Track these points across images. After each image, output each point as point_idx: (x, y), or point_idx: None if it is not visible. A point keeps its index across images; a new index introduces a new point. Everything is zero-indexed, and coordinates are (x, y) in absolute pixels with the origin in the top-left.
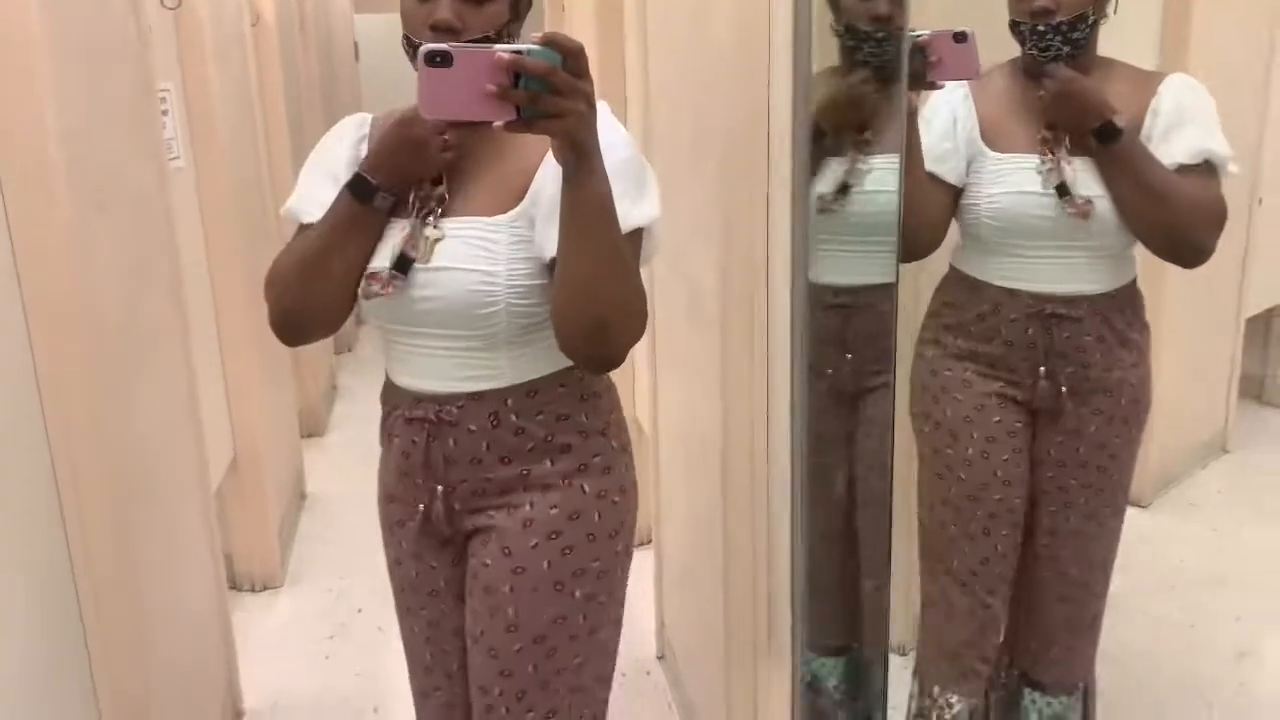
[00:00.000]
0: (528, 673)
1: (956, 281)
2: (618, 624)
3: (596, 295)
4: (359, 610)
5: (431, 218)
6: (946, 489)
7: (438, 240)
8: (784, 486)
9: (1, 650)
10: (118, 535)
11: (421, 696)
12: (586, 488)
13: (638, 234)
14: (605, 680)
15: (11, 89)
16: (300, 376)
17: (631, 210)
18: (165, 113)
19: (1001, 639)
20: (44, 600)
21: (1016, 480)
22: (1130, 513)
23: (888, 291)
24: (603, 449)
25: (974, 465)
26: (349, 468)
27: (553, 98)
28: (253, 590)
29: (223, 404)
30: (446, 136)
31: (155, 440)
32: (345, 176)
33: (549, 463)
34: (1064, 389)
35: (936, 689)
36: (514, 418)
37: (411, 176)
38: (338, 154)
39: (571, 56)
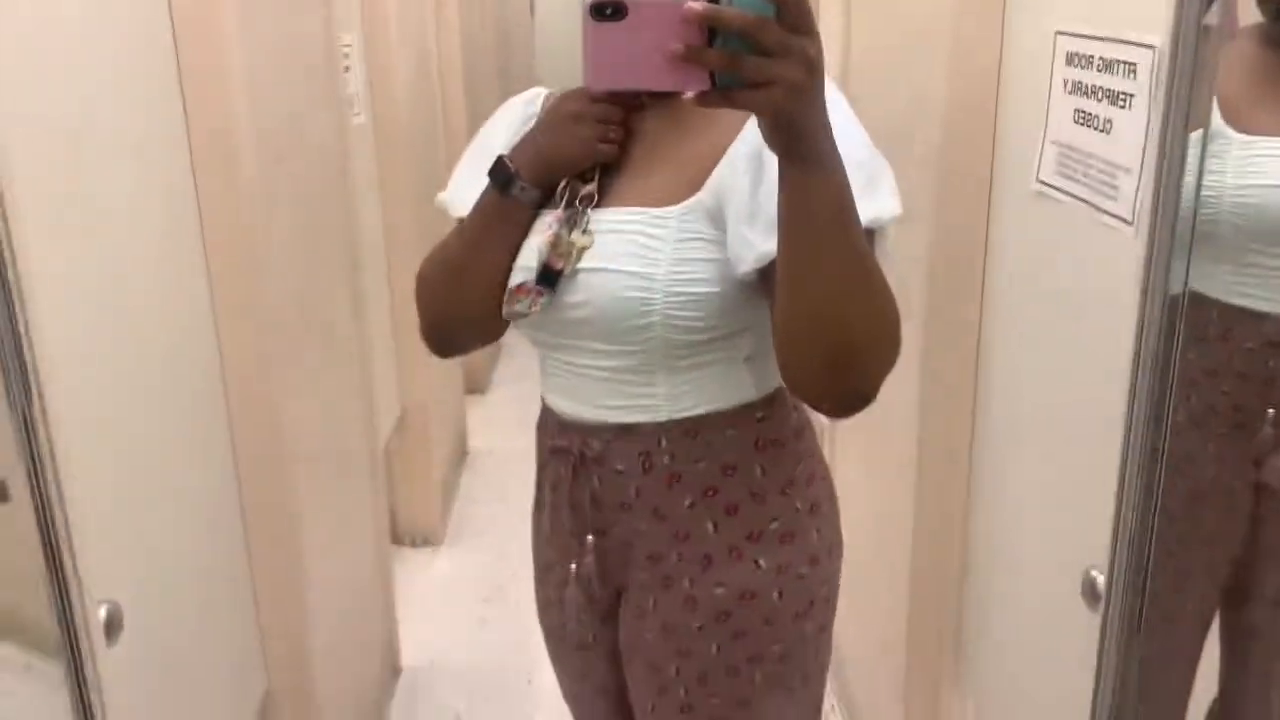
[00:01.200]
0: None
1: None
2: (816, 708)
3: (841, 317)
4: (515, 573)
5: (580, 219)
6: None
7: (585, 248)
8: (991, 511)
9: (180, 597)
10: (285, 505)
11: None
12: (763, 562)
13: (872, 235)
14: None
15: (198, 36)
16: None
17: (868, 205)
18: (347, 68)
19: None
20: (216, 552)
21: (1225, 540)
22: None
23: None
24: (784, 511)
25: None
26: (511, 425)
27: (761, 60)
28: (413, 545)
29: (392, 362)
30: (614, 123)
31: (327, 400)
32: None
33: (710, 526)
34: None
35: None
36: (668, 460)
37: (560, 167)
38: (498, 137)
39: (787, 6)
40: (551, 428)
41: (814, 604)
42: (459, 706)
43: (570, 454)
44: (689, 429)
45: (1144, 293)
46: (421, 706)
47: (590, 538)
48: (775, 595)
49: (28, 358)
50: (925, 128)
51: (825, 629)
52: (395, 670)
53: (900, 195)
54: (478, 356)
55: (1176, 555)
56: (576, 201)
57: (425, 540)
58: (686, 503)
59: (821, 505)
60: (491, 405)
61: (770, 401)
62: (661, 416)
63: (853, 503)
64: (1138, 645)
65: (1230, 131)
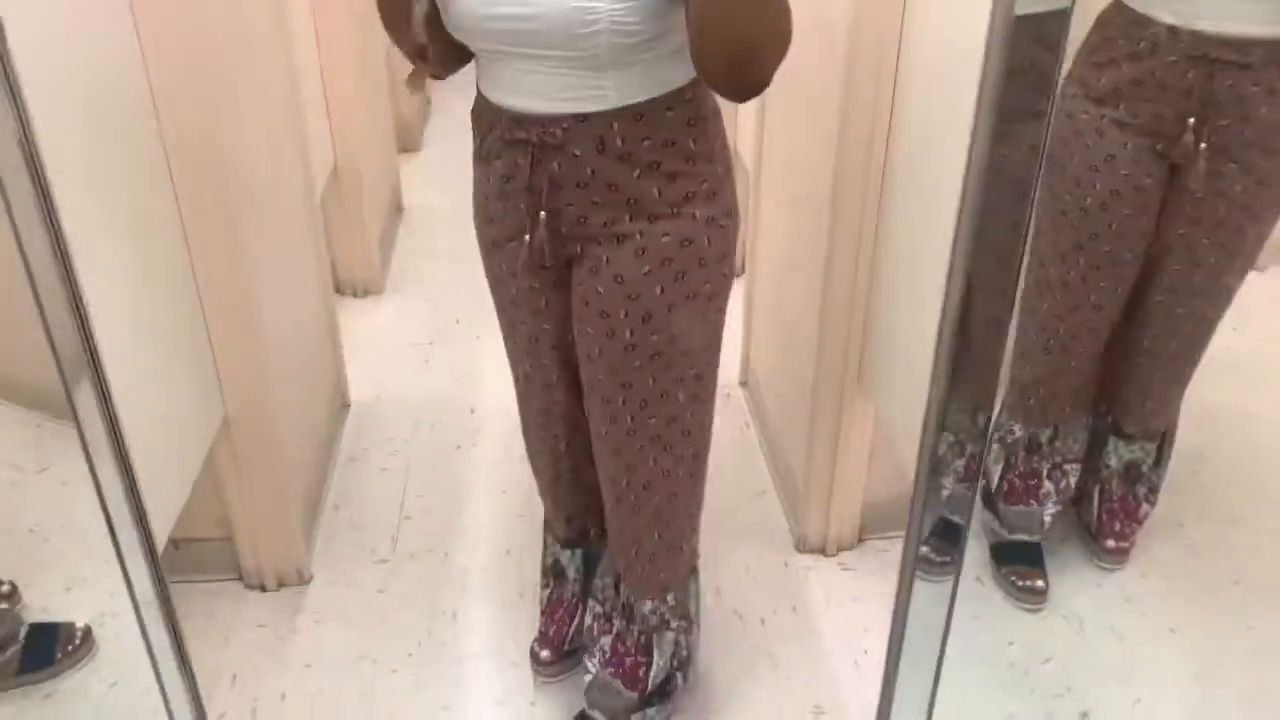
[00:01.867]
0: (648, 385)
1: (1116, 15)
2: (720, 339)
3: (740, 15)
4: (457, 321)
5: None
6: (1056, 233)
7: None
8: (898, 222)
9: (138, 344)
10: (232, 236)
11: (522, 399)
12: (696, 214)
13: None
14: (709, 392)
15: None
16: (395, 93)
17: None
18: None
19: (1088, 386)
20: (170, 298)
21: (1133, 235)
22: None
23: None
24: (710, 174)
25: (1089, 215)
26: (445, 183)
27: None
28: (355, 295)
29: (323, 115)
30: None
31: (262, 147)
32: None
33: (656, 191)
34: (1204, 145)
35: (1004, 415)
36: (620, 142)
37: None
38: None
39: None
40: (504, 123)
41: (730, 249)
42: (405, 434)
43: (529, 143)
44: (636, 113)
45: None
46: (369, 436)
47: (543, 214)
48: (706, 241)
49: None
50: None
51: (734, 273)
52: (344, 405)
53: None
54: (409, 114)
55: (1087, 249)
56: None
57: (365, 290)
58: (635, 174)
59: (731, 170)
60: (425, 162)
61: (695, 85)
62: (610, 105)
63: (773, 230)
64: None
65: None
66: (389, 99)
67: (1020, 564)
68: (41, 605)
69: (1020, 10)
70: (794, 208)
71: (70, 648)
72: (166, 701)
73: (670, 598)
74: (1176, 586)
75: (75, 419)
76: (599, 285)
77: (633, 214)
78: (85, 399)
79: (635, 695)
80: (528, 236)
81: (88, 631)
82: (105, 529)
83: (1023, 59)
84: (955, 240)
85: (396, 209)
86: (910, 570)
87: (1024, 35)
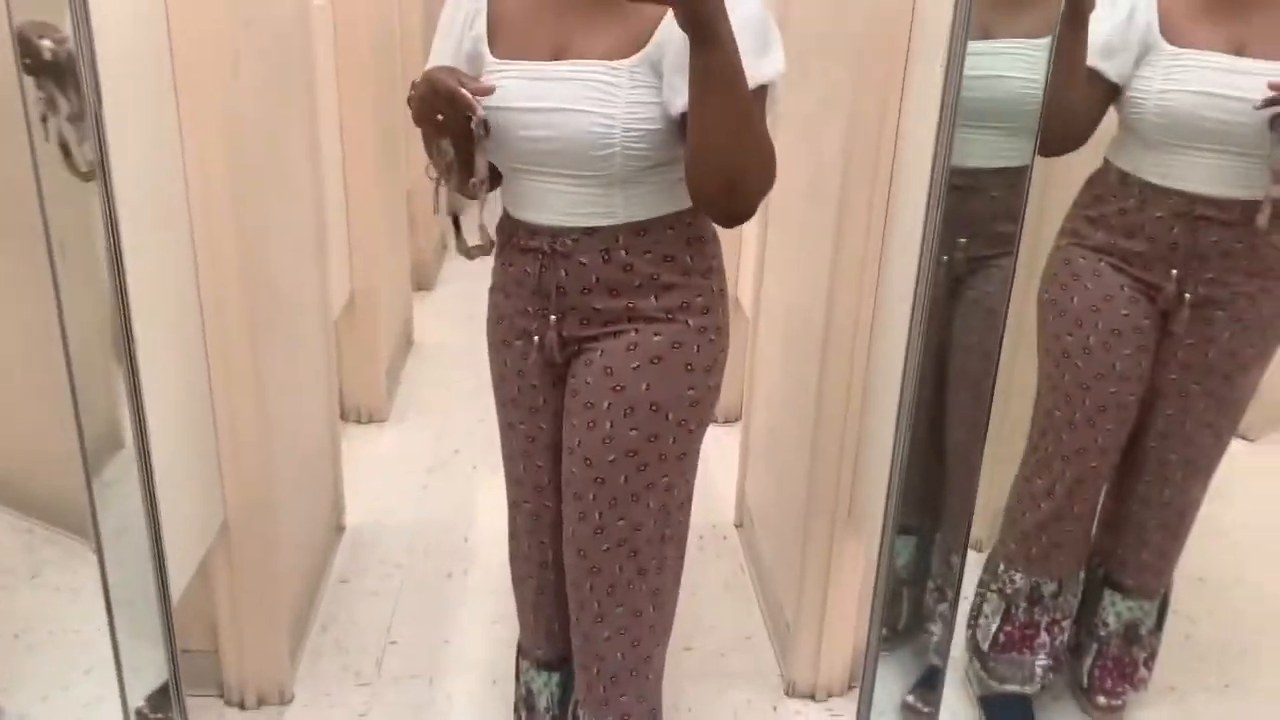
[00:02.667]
0: (620, 483)
1: (1106, 174)
2: (695, 461)
3: (729, 155)
4: (456, 451)
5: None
6: (1061, 376)
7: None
8: (887, 364)
9: (156, 441)
10: (251, 346)
11: (513, 507)
12: (690, 323)
13: (763, 90)
14: (685, 508)
15: None
16: (414, 231)
17: (756, 65)
18: None
19: (1088, 534)
20: (186, 397)
21: (1134, 377)
22: (1235, 443)
23: (1020, 175)
24: (704, 290)
25: (1093, 354)
26: (455, 321)
27: None
28: (359, 422)
29: (344, 244)
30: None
31: (287, 266)
32: (461, 33)
33: (654, 298)
34: (1189, 296)
35: (1002, 565)
36: (624, 254)
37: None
38: (457, 12)
39: None
40: (521, 234)
41: (716, 363)
42: (398, 558)
43: (540, 252)
44: (639, 229)
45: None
46: (363, 558)
47: (553, 317)
48: (695, 349)
49: None
50: (851, 17)
51: (718, 390)
52: (340, 527)
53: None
54: (425, 254)
55: (1093, 389)
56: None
57: (370, 417)
58: (636, 284)
59: (724, 291)
60: (438, 301)
61: (696, 209)
62: (618, 220)
63: (769, 371)
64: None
65: (1163, 44)
66: (408, 236)
67: (1011, 718)
68: (19, 713)
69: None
70: (788, 347)
71: None
72: None
73: None
74: None
75: (92, 507)
76: (589, 376)
77: (630, 317)
78: (103, 487)
79: None
80: (537, 338)
81: None
82: (107, 635)
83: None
84: (904, 374)
85: (407, 342)
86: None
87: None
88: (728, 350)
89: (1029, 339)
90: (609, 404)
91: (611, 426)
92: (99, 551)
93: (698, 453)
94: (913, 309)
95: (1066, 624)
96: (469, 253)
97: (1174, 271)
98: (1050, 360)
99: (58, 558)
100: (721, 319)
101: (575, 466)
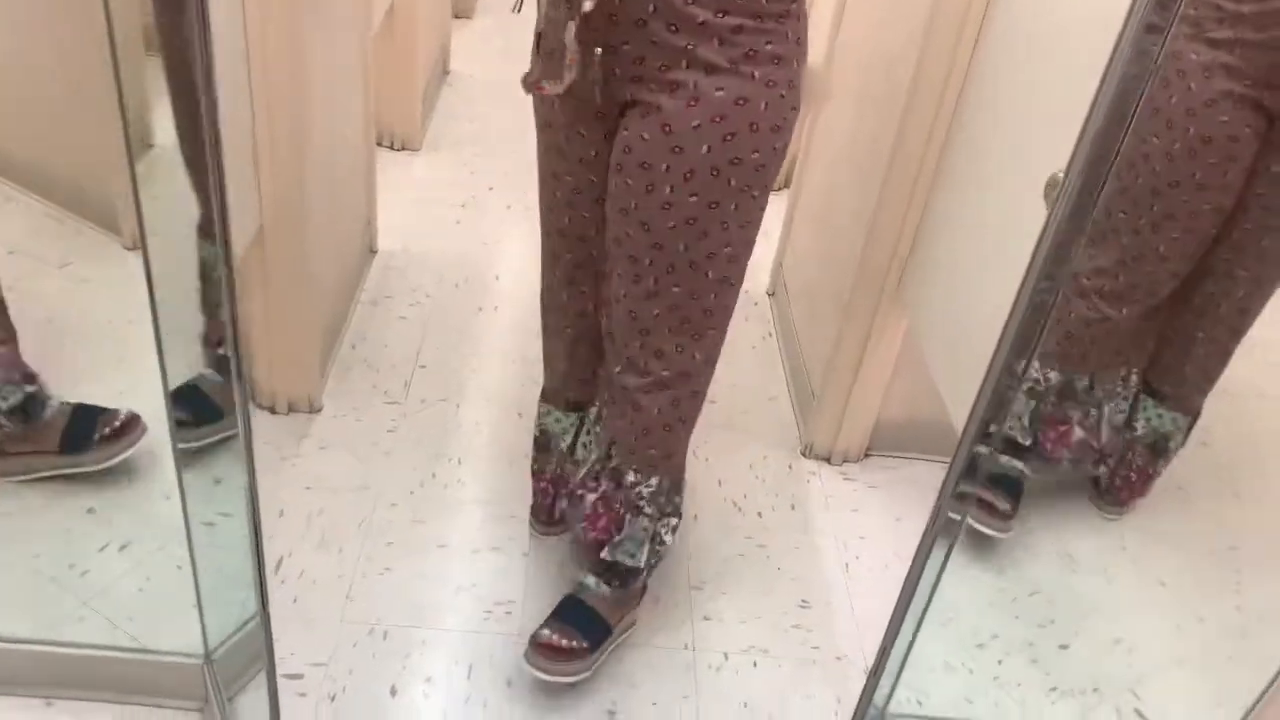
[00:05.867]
0: (679, 250)
1: None
2: (757, 230)
3: None
4: (490, 188)
5: None
6: (1134, 178)
7: None
8: (971, 133)
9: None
10: (293, 47)
11: (553, 258)
12: (757, 74)
13: None
14: (740, 279)
15: None
16: None
17: None
18: None
19: (1133, 340)
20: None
21: (1214, 187)
22: None
23: None
24: (777, 37)
25: (1174, 161)
26: (493, 52)
27: None
28: (392, 148)
29: None
30: None
31: None
32: None
33: (717, 42)
34: None
35: (1038, 364)
36: None
37: None
38: None
39: None
40: None
41: (785, 122)
42: (429, 288)
43: None
44: None
45: None
46: (394, 283)
47: (598, 50)
48: (762, 105)
49: None
50: None
51: (784, 152)
52: (372, 250)
53: None
54: None
55: (1164, 196)
56: None
57: (403, 144)
58: (699, 20)
59: (803, 44)
60: (476, 31)
61: None
62: None
63: (834, 131)
64: (1078, 251)
65: None
66: None
67: (995, 488)
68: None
69: None
70: (861, 107)
71: (109, 430)
72: (182, 485)
73: (654, 481)
74: (1172, 545)
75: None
76: (644, 132)
77: (689, 62)
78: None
79: (593, 559)
80: (579, 66)
81: (133, 418)
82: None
83: None
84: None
85: (443, 70)
86: (949, 495)
87: None
88: (800, 109)
89: None
90: (667, 166)
91: (671, 191)
92: (143, 242)
93: (759, 221)
94: None
95: (1091, 420)
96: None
97: None
98: (1123, 160)
99: (86, 248)
100: (794, 72)
101: (631, 229)
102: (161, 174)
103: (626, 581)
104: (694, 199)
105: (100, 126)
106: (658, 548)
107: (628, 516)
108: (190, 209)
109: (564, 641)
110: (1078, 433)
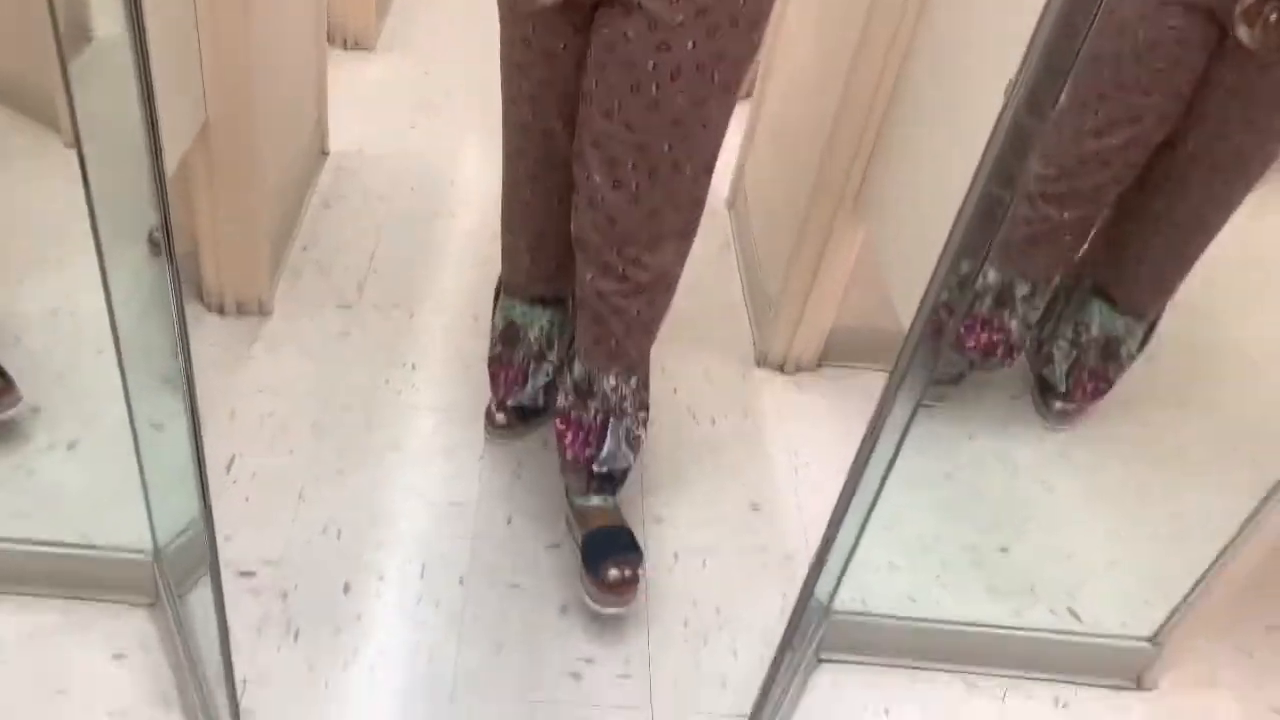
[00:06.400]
0: (663, 151)
1: None
2: (728, 125)
3: None
4: (447, 93)
5: None
6: (1080, 80)
7: None
8: (934, 45)
9: None
10: None
11: (516, 154)
12: None
13: None
14: (710, 180)
15: None
16: None
17: None
18: None
19: (1077, 246)
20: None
21: (1161, 93)
22: None
23: None
24: None
25: (1121, 64)
26: None
27: None
28: (344, 47)
29: None
30: None
31: None
32: None
33: None
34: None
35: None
36: None
37: None
38: None
39: None
40: None
41: (761, 15)
42: (382, 190)
43: None
44: None
45: None
46: (346, 185)
47: None
48: (741, 2)
49: None
50: None
51: (758, 47)
52: (324, 151)
53: None
54: None
55: (1110, 100)
56: None
57: (356, 43)
58: None
59: None
60: None
61: None
62: None
63: (796, 43)
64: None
65: None
66: None
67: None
68: None
69: None
70: (824, 13)
71: None
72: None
73: (633, 380)
74: (1115, 455)
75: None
76: (628, 29)
77: None
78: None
79: (587, 476)
80: None
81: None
82: (79, 226)
83: None
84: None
85: None
86: (896, 388)
87: None
88: (774, 3)
89: None
90: (654, 64)
91: (657, 90)
92: (78, 140)
93: (732, 112)
94: None
95: (1027, 330)
96: None
97: None
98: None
99: (28, 146)
100: None
101: (614, 129)
102: (100, 68)
103: (623, 480)
104: (680, 98)
105: (35, 15)
106: (635, 440)
107: (611, 422)
108: (133, 105)
109: (627, 572)
110: (1009, 335)
